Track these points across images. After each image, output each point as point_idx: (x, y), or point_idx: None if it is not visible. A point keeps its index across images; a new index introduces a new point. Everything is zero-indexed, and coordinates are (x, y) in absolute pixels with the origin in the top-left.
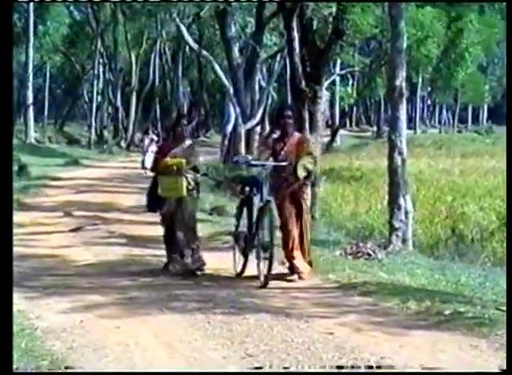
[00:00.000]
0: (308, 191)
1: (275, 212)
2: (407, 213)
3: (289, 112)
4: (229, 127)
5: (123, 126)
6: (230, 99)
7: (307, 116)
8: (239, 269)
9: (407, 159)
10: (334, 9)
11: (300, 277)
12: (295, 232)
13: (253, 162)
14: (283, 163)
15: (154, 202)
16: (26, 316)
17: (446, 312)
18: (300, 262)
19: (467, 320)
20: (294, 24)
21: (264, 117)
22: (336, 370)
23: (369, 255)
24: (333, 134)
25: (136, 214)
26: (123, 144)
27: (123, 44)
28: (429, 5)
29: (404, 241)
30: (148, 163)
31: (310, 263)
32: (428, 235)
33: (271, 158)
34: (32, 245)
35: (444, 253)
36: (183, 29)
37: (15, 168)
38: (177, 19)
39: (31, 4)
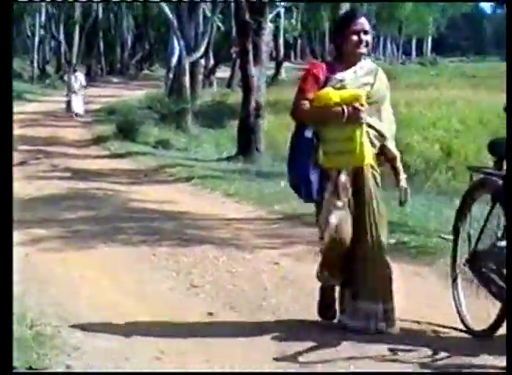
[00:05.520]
0: None
1: None
2: None
3: None
4: (174, 60)
5: (66, 61)
6: (174, 32)
7: (251, 47)
8: (484, 322)
9: None
10: None
11: None
12: None
13: None
14: None
15: (311, 181)
16: None
17: (391, 242)
18: None
19: (411, 249)
20: None
21: (209, 49)
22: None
23: None
24: (278, 67)
25: (80, 148)
26: (66, 78)
27: None
28: None
29: None
30: (76, 106)
31: None
32: None
33: None
34: None
35: (389, 182)
36: None
37: None
38: None
39: None
